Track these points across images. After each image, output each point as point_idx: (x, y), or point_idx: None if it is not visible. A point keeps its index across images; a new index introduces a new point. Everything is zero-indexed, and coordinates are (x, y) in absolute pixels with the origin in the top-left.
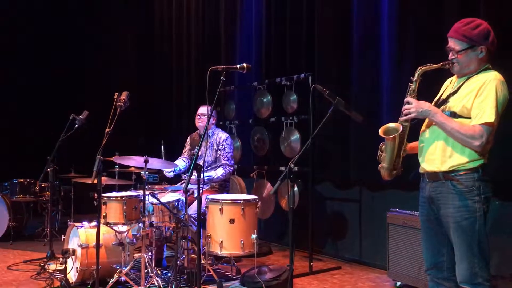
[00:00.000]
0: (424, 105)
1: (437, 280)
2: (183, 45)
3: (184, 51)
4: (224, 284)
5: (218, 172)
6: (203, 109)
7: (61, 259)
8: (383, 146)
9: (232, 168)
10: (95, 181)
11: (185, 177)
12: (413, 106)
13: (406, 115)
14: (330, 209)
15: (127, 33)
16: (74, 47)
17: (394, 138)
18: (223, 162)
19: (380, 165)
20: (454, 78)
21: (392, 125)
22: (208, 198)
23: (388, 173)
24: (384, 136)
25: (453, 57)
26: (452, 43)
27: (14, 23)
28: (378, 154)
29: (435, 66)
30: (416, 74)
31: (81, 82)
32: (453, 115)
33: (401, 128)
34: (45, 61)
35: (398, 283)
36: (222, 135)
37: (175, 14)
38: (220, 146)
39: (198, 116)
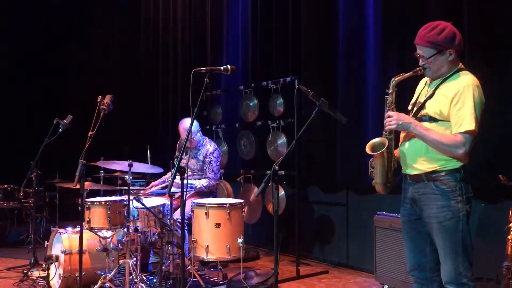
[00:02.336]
0: (405, 118)
1: (421, 281)
2: (170, 48)
3: (170, 54)
4: None
5: (202, 182)
6: (185, 124)
7: (43, 265)
8: (373, 162)
9: (216, 182)
10: (78, 186)
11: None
12: (393, 118)
13: (387, 126)
14: (317, 213)
15: (113, 35)
16: (59, 50)
17: (382, 154)
18: (208, 175)
19: (373, 181)
20: (427, 79)
21: (377, 140)
22: (193, 203)
23: (383, 187)
24: (372, 153)
25: (424, 63)
26: (420, 51)
27: None
28: (370, 170)
29: (407, 75)
30: (391, 86)
31: (64, 85)
32: (432, 119)
33: (387, 143)
34: (27, 63)
35: (386, 287)
36: (209, 147)
37: (161, 16)
38: (207, 159)
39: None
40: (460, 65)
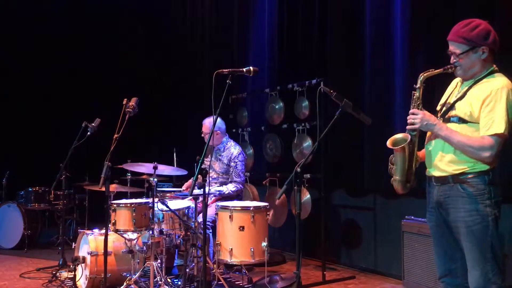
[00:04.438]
0: (430, 118)
1: None
2: (197, 52)
3: (198, 58)
4: None
5: (229, 187)
6: (206, 126)
7: (71, 266)
8: (393, 158)
9: (243, 186)
10: (103, 188)
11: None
12: (418, 117)
13: (410, 124)
14: (344, 217)
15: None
16: (88, 50)
17: (403, 149)
18: (235, 179)
19: (392, 179)
20: (459, 80)
21: (400, 135)
22: (218, 205)
23: (402, 186)
24: (393, 147)
25: (455, 60)
26: (453, 47)
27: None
28: (389, 167)
29: (437, 71)
30: (419, 81)
31: (95, 87)
32: (461, 120)
33: (409, 138)
34: (60, 65)
35: None
36: (234, 150)
37: (189, 17)
38: (232, 163)
39: (202, 135)
40: (494, 67)
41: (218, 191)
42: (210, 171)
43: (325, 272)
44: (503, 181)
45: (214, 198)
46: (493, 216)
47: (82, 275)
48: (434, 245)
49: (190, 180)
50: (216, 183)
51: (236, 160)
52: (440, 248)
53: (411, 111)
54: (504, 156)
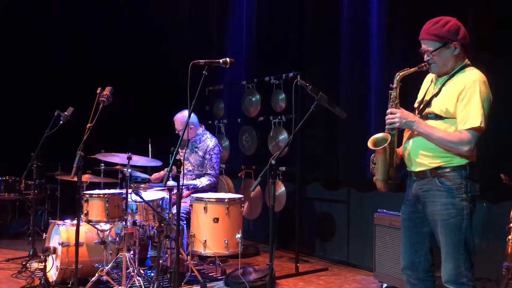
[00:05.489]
0: (408, 116)
1: (413, 281)
2: (174, 42)
3: (174, 48)
4: (208, 285)
5: (203, 181)
6: (179, 122)
7: (41, 257)
8: (374, 158)
9: (216, 179)
10: (75, 178)
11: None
12: (397, 116)
13: (389, 124)
14: (318, 210)
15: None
16: (61, 36)
17: (384, 149)
18: (209, 171)
19: (374, 178)
20: (433, 76)
21: (380, 135)
22: (192, 197)
23: (384, 184)
24: (374, 148)
25: (429, 58)
26: (425, 45)
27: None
28: (371, 166)
29: (412, 70)
30: (395, 81)
31: (65, 76)
32: (437, 117)
33: (389, 138)
34: (32, 50)
35: (385, 285)
36: (210, 143)
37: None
38: (207, 155)
39: (176, 132)
40: (466, 61)
41: (192, 184)
42: (186, 162)
43: (298, 264)
44: (478, 176)
45: (188, 191)
46: (468, 210)
47: (52, 266)
48: (402, 237)
49: (162, 171)
50: (191, 175)
51: (211, 153)
52: (407, 241)
53: (388, 110)
54: (477, 150)
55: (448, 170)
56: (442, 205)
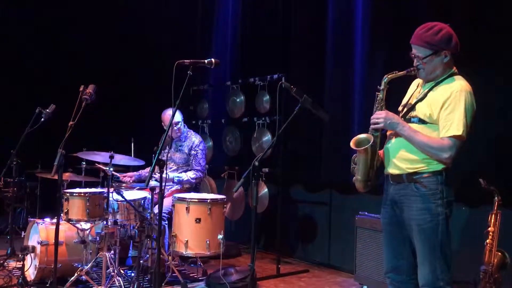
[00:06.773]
0: (393, 117)
1: (396, 284)
2: (158, 42)
3: (158, 47)
4: (189, 285)
5: (189, 174)
6: (167, 119)
7: (19, 256)
8: (356, 158)
9: (203, 174)
10: (56, 176)
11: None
12: (381, 117)
13: (374, 124)
14: (300, 211)
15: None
16: (44, 34)
17: (366, 150)
18: (195, 167)
19: (354, 178)
20: (420, 81)
21: (363, 136)
22: (174, 197)
23: (363, 185)
24: (356, 148)
25: (418, 63)
26: (416, 50)
27: None
28: (352, 166)
29: (400, 73)
30: (383, 83)
31: (48, 72)
32: (421, 121)
33: (372, 139)
34: (9, 51)
35: (365, 287)
36: (195, 139)
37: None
38: (193, 151)
39: (164, 127)
40: (454, 69)
41: (177, 177)
42: (169, 162)
43: (279, 266)
44: (456, 181)
45: (171, 190)
46: (443, 215)
47: (31, 265)
48: (384, 241)
49: (136, 172)
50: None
51: (197, 149)
52: (389, 244)
53: (374, 111)
54: (457, 156)
55: (425, 175)
56: (418, 210)
